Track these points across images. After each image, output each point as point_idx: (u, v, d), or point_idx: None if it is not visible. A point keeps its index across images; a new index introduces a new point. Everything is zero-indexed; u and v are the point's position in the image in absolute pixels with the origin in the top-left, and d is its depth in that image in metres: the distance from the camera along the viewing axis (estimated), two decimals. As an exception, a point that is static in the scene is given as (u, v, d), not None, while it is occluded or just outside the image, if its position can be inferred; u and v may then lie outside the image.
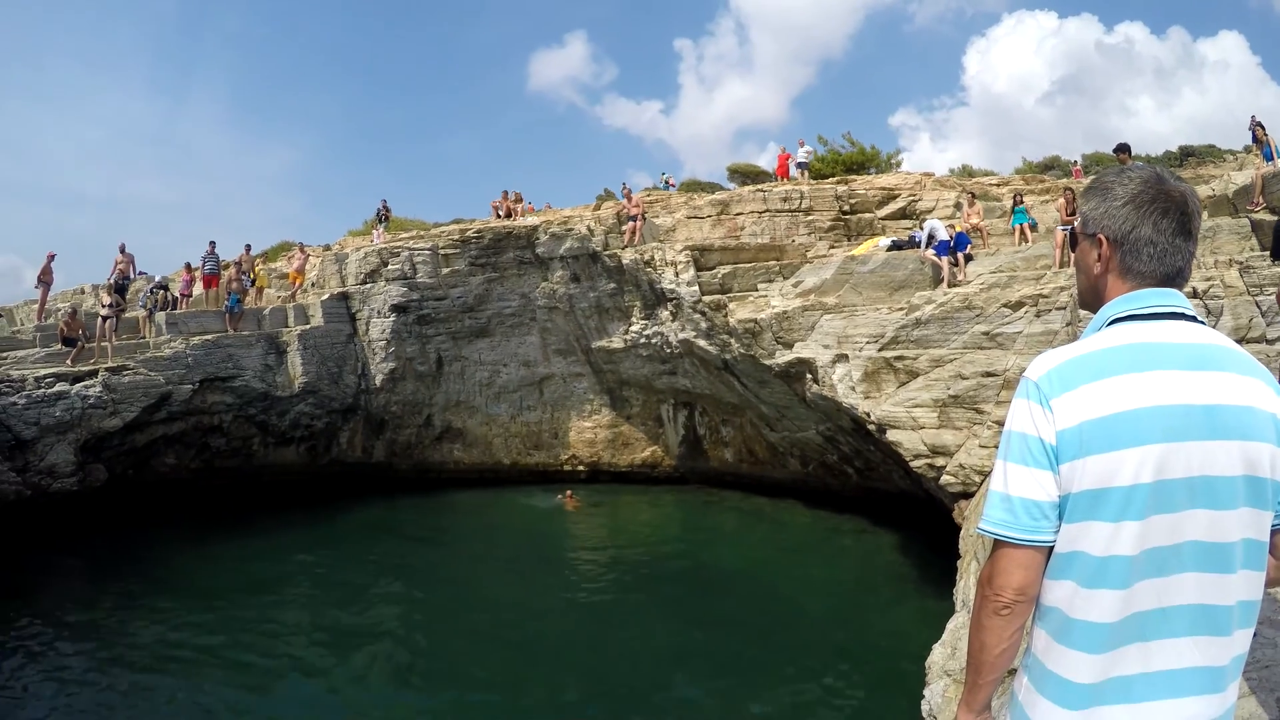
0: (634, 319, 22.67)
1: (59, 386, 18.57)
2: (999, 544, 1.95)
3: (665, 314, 21.60)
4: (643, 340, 22.62)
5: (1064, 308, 12.33)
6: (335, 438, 24.71)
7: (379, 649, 12.98)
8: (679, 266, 20.39)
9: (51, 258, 22.72)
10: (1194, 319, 1.97)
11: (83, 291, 28.83)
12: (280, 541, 18.67)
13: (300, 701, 11.05)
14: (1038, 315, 12.82)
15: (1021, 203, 17.79)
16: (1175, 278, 2.01)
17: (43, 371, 18.86)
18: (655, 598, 15.22)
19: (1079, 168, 27.65)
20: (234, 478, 23.03)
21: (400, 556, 18.20)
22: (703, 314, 20.09)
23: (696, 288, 20.10)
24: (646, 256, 21.13)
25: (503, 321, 24.75)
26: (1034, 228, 17.22)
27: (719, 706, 10.68)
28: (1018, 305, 13.18)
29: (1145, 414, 1.82)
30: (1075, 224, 2.15)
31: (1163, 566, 1.87)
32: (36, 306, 23.92)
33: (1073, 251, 2.38)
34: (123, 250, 23.68)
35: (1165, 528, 1.85)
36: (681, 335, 21.09)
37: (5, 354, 19.64)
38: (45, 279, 22.84)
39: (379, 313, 24.07)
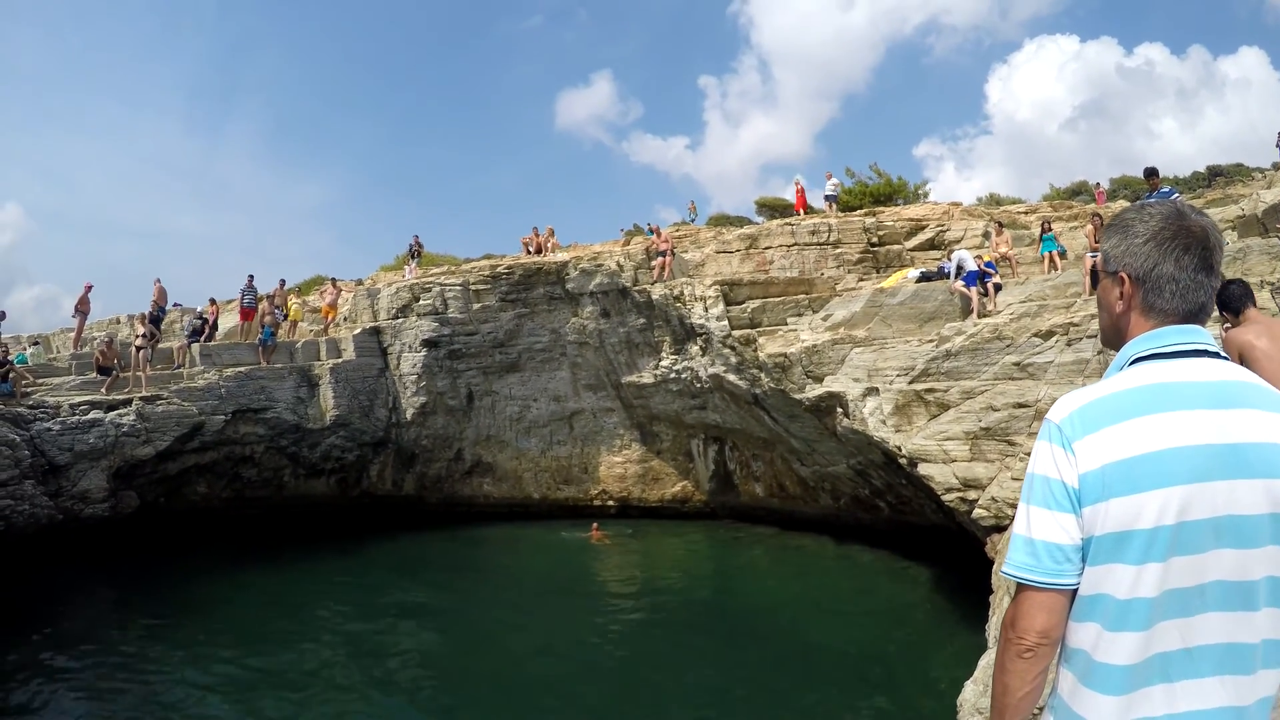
0: (664, 354, 22.69)
1: (93, 414, 18.90)
2: (1022, 587, 1.95)
3: (695, 349, 21.60)
4: (672, 375, 22.60)
5: (1095, 336, 12.14)
6: (366, 470, 24.86)
7: (406, 683, 12.89)
8: (708, 301, 20.41)
9: (89, 288, 23.20)
10: (1217, 355, 1.95)
11: (118, 321, 29.41)
12: (309, 572, 18.74)
13: None
14: (1069, 344, 12.65)
15: (1050, 230, 17.67)
16: (1198, 314, 1.99)
17: (78, 399, 19.21)
18: (684, 634, 15.04)
19: (1101, 191, 27.44)
20: (264, 508, 23.20)
21: (429, 590, 18.17)
22: (732, 348, 20.05)
23: (726, 322, 20.09)
24: (676, 291, 21.19)
25: (533, 356, 24.88)
26: (1063, 255, 17.08)
27: None
28: (1048, 334, 13.02)
29: (1168, 455, 1.81)
30: (1096, 262, 2.16)
31: (1186, 607, 1.85)
32: (73, 335, 24.37)
33: (1094, 290, 2.33)
34: (158, 283, 24.16)
35: (1189, 568, 1.83)
36: (711, 370, 21.06)
37: (41, 381, 20.02)
38: (82, 309, 23.28)
39: (410, 347, 24.31)
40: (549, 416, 25.55)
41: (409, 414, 24.57)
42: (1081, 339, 12.37)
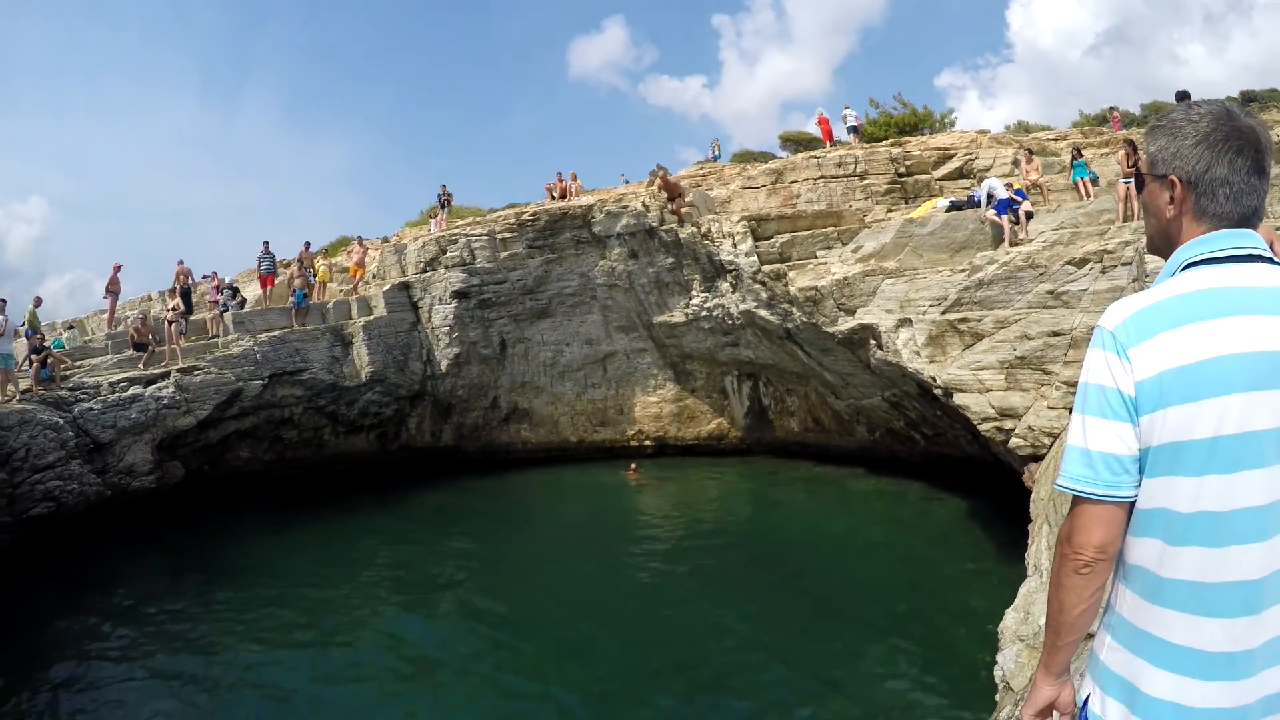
0: (694, 292, 22.58)
1: (133, 390, 19.26)
2: (1078, 500, 1.91)
3: (725, 286, 21.47)
4: (704, 313, 22.53)
5: (1129, 263, 11.88)
6: (404, 424, 25.20)
7: (452, 627, 13.24)
8: (736, 237, 20.22)
9: (118, 269, 23.47)
10: (1271, 261, 1.88)
11: (150, 299, 29.77)
12: (355, 527, 19.13)
13: (374, 679, 11.37)
14: (1103, 272, 12.38)
15: (1080, 157, 17.25)
16: (1251, 217, 1.92)
17: (116, 376, 19.55)
18: (721, 569, 15.23)
19: (1117, 117, 26.64)
20: (306, 467, 23.61)
21: (471, 535, 18.51)
22: (763, 284, 19.91)
23: (755, 258, 19.92)
24: (704, 229, 21.01)
25: (563, 301, 24.89)
26: (1095, 182, 16.68)
27: (786, 674, 10.68)
28: (1082, 262, 12.75)
29: (1226, 362, 1.75)
30: (1141, 165, 2.07)
31: (1264, 529, 1.79)
32: (106, 316, 24.73)
33: (1139, 195, 2.27)
34: (181, 264, 24.37)
35: (1260, 485, 1.77)
36: (742, 306, 20.95)
37: (80, 362, 20.38)
38: (113, 289, 23.59)
39: (440, 299, 24.40)
40: (582, 360, 25.65)
41: (443, 365, 24.76)
42: (1116, 266, 12.11)
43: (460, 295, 24.28)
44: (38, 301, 21.07)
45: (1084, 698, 2.10)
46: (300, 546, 17.82)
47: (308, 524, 19.46)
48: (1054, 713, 2.19)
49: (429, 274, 24.66)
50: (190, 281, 24.41)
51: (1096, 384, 1.86)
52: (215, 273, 25.31)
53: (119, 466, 18.65)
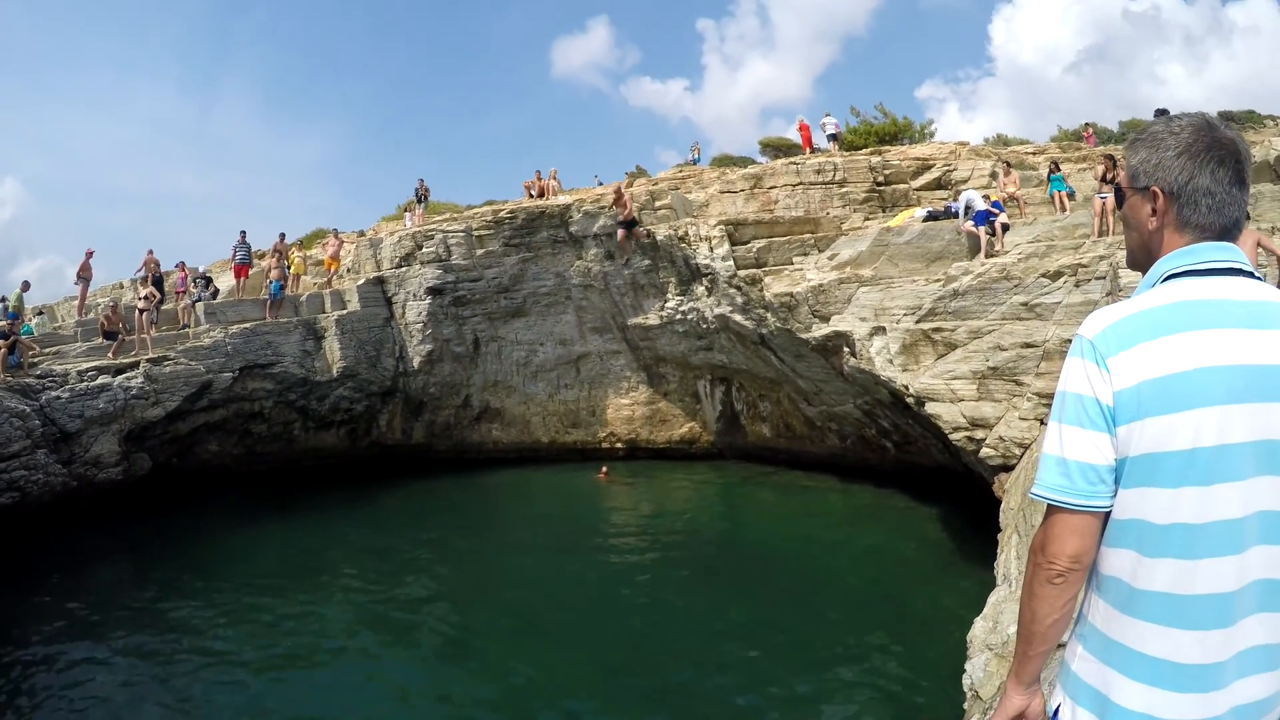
0: (669, 295, 22.59)
1: (101, 379, 18.95)
2: (1053, 509, 1.89)
3: (700, 289, 21.50)
4: (678, 316, 22.54)
5: (1104, 277, 12.01)
6: (375, 420, 25.01)
7: (419, 626, 13.14)
8: (713, 241, 20.25)
9: (90, 254, 23.10)
10: (1252, 275, 1.88)
11: (121, 286, 29.28)
12: (323, 522, 18.98)
13: (341, 680, 11.25)
14: (1077, 285, 12.51)
15: (1058, 171, 17.44)
16: (1232, 229, 1.92)
17: (85, 365, 19.24)
18: (693, 573, 15.23)
19: (1090, 133, 27.00)
20: (276, 462, 23.39)
21: (440, 534, 18.39)
22: (738, 289, 19.95)
23: (731, 262, 19.97)
24: (681, 232, 21.02)
25: (538, 301, 24.80)
26: (1071, 196, 16.88)
27: (757, 681, 10.68)
28: (1056, 275, 12.88)
29: (1205, 374, 1.75)
30: (1122, 179, 2.06)
31: (1239, 542, 1.79)
32: (76, 303, 24.29)
33: (1119, 210, 2.24)
34: (150, 254, 24.00)
35: (1234, 497, 1.77)
36: (717, 310, 20.98)
37: (48, 349, 20.01)
38: (84, 275, 23.19)
39: (415, 296, 24.23)
40: (555, 360, 25.57)
41: (416, 362, 24.59)
42: (1090, 280, 12.24)
43: (435, 291, 24.11)
44: (25, 286, 20.73)
45: (1054, 708, 2.09)
46: (268, 540, 17.67)
47: (276, 518, 19.27)
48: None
49: (404, 269, 24.47)
50: (159, 271, 24.07)
51: (1075, 393, 1.84)
52: (183, 263, 24.95)
53: (85, 457, 18.35)
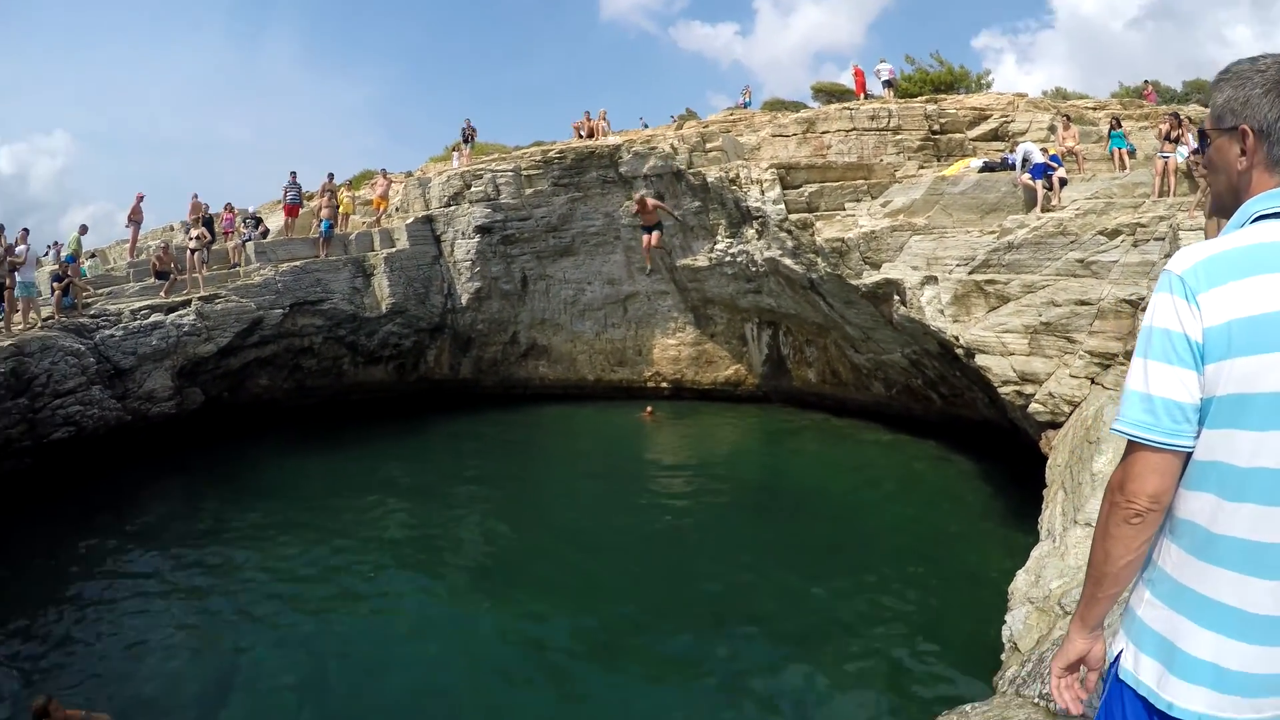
0: (719, 237, 22.47)
1: (154, 317, 19.46)
2: (1134, 447, 1.86)
3: (750, 232, 21.34)
4: (727, 259, 22.45)
5: (1163, 239, 11.72)
6: (423, 355, 25.40)
7: (463, 553, 13.61)
8: (765, 184, 20.05)
9: (140, 198, 23.45)
10: None
11: (172, 229, 29.71)
12: (370, 454, 19.46)
13: (388, 604, 11.72)
14: (1135, 245, 12.23)
15: (1119, 127, 16.89)
16: None
17: (138, 304, 19.71)
18: (733, 512, 15.44)
19: (1151, 91, 26.01)
20: (324, 396, 23.88)
21: (485, 467, 18.82)
22: (789, 232, 19.79)
23: (782, 206, 19.76)
24: (732, 174, 20.81)
25: (587, 240, 24.83)
26: (1132, 154, 16.38)
27: (791, 621, 10.83)
28: (1114, 233, 12.60)
29: None
30: (1207, 122, 2.01)
31: None
32: (128, 245, 24.69)
33: (1200, 155, 2.23)
34: (196, 198, 24.29)
35: None
36: (767, 254, 20.85)
37: (101, 290, 20.49)
38: (135, 218, 23.56)
39: (463, 234, 24.40)
40: (603, 299, 25.67)
41: (464, 299, 24.86)
42: (1149, 240, 11.97)
43: (483, 230, 24.25)
44: (83, 229, 21.14)
45: (1116, 653, 2.07)
46: (317, 470, 18.20)
47: (324, 450, 19.80)
48: (1082, 668, 2.17)
49: (453, 208, 24.61)
50: (207, 213, 24.44)
51: (1162, 328, 1.81)
52: (230, 204, 25.36)
53: (139, 392, 18.92)
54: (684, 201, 22.62)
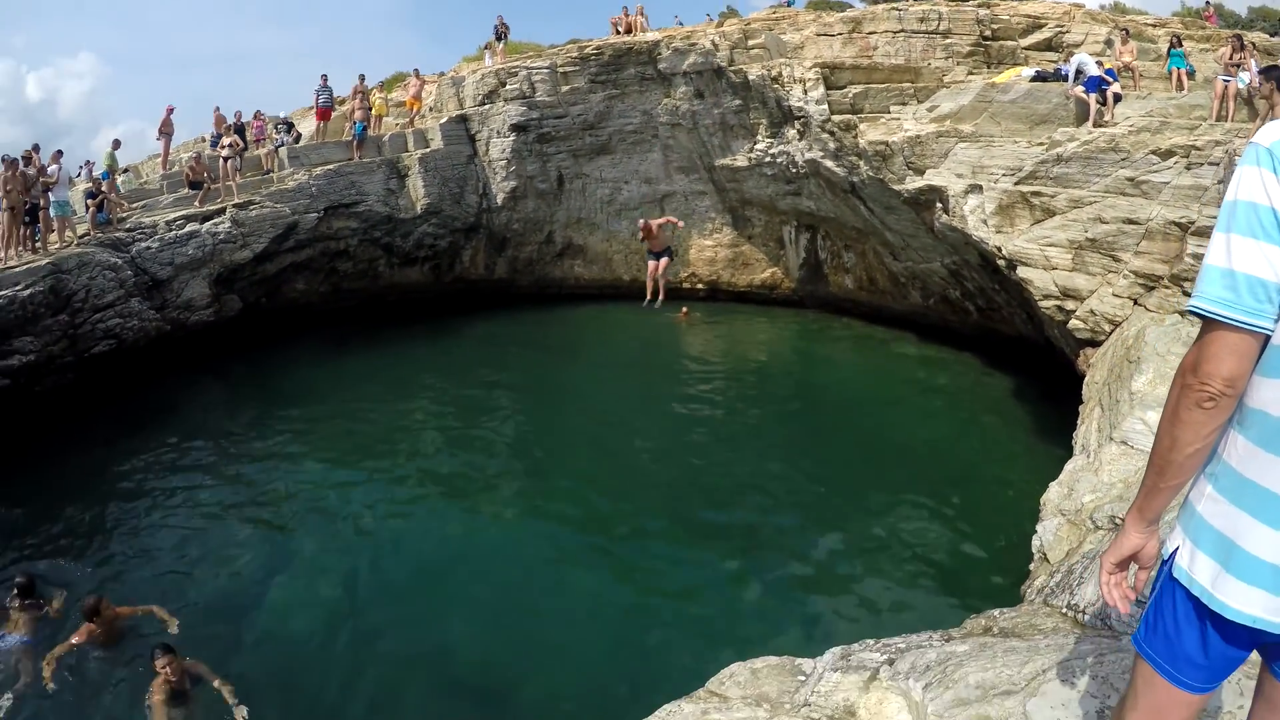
0: (759, 137, 22.04)
1: (189, 227, 19.64)
2: (1212, 326, 1.75)
3: (792, 133, 20.92)
4: (767, 159, 22.07)
5: (1217, 164, 11.38)
6: (458, 256, 25.45)
7: (498, 451, 13.98)
8: (808, 84, 19.55)
9: (170, 111, 23.22)
10: None
11: (203, 140, 29.56)
12: (406, 353, 19.84)
13: (423, 502, 12.23)
14: (1188, 168, 11.82)
15: (1179, 46, 16.18)
16: None
17: (173, 215, 19.84)
18: (764, 415, 15.69)
19: (1212, 13, 24.67)
20: (361, 299, 24.07)
21: (519, 367, 19.18)
22: (831, 134, 19.39)
23: (826, 106, 19.30)
24: (774, 72, 20.27)
25: (624, 139, 24.46)
26: (1191, 75, 15.74)
27: (818, 525, 11.14)
28: (1168, 154, 12.18)
29: None
30: None
31: None
32: (160, 159, 24.61)
33: (1221, 114, 2.13)
34: (218, 111, 24.23)
35: None
36: (808, 155, 20.47)
37: (135, 204, 20.56)
38: (166, 131, 23.43)
39: (498, 133, 24.11)
40: (640, 198, 25.42)
41: (499, 199, 24.75)
42: (1203, 165, 11.56)
43: (519, 129, 23.94)
44: (116, 144, 21.11)
45: (1171, 550, 1.99)
46: (354, 372, 18.58)
47: (362, 351, 20.15)
48: (1132, 565, 2.08)
49: (487, 107, 24.24)
50: (240, 120, 24.27)
51: (1248, 201, 1.71)
52: (259, 111, 25.20)
53: (177, 302, 19.28)
54: (724, 100, 22.15)
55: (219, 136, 23.17)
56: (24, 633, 8.83)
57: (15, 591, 9.27)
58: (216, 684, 7.71)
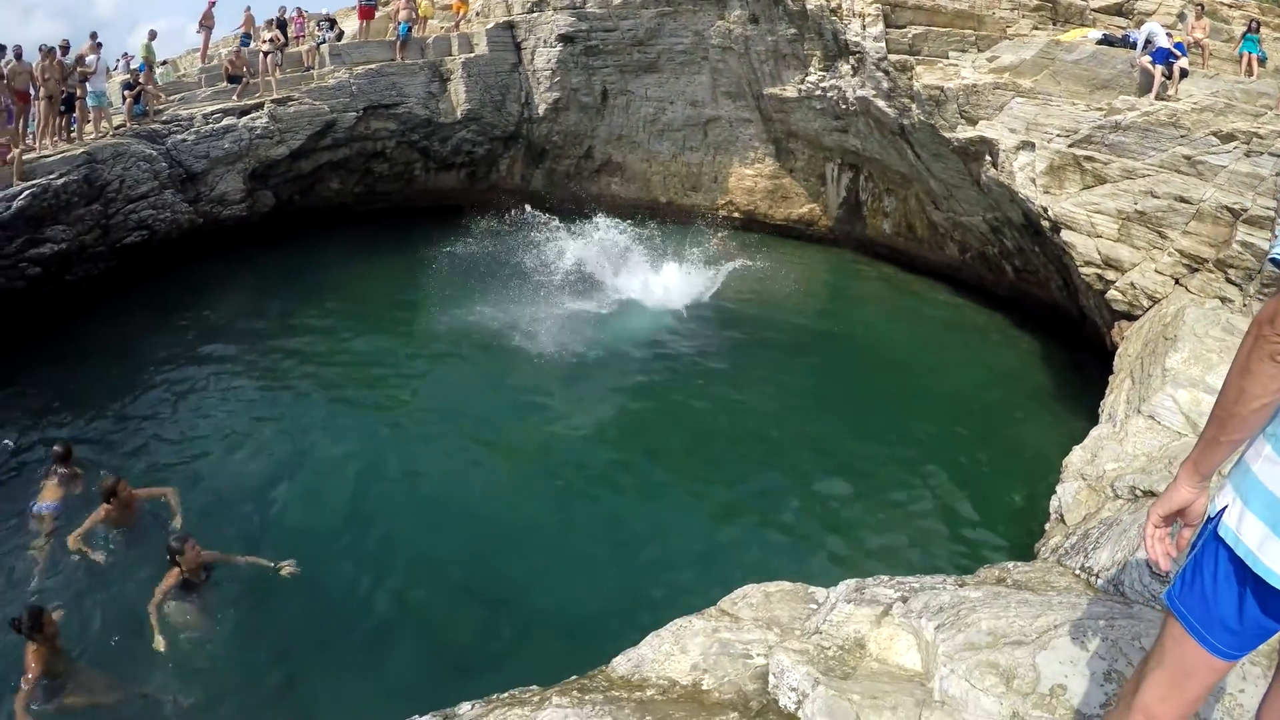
0: (811, 69, 21.63)
1: (226, 120, 19.66)
2: None
3: (845, 68, 20.52)
4: (818, 92, 21.68)
5: (1278, 155, 11.24)
6: (495, 164, 25.38)
7: (521, 370, 14.07)
8: (867, 19, 19.13)
9: (212, 3, 23.03)
10: None
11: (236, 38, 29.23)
12: (437, 253, 19.79)
13: (445, 400, 12.71)
14: (1247, 154, 11.61)
15: (1256, 31, 15.79)
16: None
17: (210, 108, 19.84)
18: (790, 354, 15.73)
19: None
20: (394, 201, 24.06)
21: (549, 280, 19.12)
22: (886, 73, 19.03)
23: (883, 44, 18.90)
24: (833, 4, 19.86)
25: (673, 58, 24.06)
26: (1263, 62, 15.39)
27: (837, 470, 11.28)
28: (1228, 138, 11.96)
29: None
30: None
31: None
32: (199, 53, 24.44)
33: None
34: (247, 11, 23.90)
35: None
36: (860, 92, 20.12)
37: (173, 96, 20.53)
38: (206, 24, 23.32)
39: (545, 42, 23.77)
40: (684, 121, 25.11)
41: (541, 110, 24.53)
42: (1263, 154, 11.35)
43: (566, 39, 23.58)
44: (152, 35, 20.79)
45: (1219, 508, 1.96)
46: (384, 270, 18.89)
47: (389, 252, 20.33)
48: (1177, 522, 2.07)
49: (535, 15, 23.85)
50: (264, 23, 23.91)
51: None
52: (301, 9, 24.87)
53: (211, 195, 19.45)
54: (779, 27, 21.67)
55: (247, 36, 22.97)
56: (57, 499, 9.22)
57: (53, 460, 9.64)
58: (260, 563, 8.02)
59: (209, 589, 7.84)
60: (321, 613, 7.97)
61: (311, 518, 9.47)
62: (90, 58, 17.95)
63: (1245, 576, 1.86)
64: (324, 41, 23.14)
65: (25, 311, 14.74)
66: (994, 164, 16.50)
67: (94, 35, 18.80)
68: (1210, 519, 1.97)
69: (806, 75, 21.79)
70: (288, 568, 7.91)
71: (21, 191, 14.92)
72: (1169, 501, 2.03)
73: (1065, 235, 14.24)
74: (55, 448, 9.86)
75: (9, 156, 15.17)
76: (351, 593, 8.29)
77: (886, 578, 4.71)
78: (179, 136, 18.97)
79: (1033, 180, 15.18)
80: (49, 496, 9.30)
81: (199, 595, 7.73)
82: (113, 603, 7.93)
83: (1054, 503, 7.59)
